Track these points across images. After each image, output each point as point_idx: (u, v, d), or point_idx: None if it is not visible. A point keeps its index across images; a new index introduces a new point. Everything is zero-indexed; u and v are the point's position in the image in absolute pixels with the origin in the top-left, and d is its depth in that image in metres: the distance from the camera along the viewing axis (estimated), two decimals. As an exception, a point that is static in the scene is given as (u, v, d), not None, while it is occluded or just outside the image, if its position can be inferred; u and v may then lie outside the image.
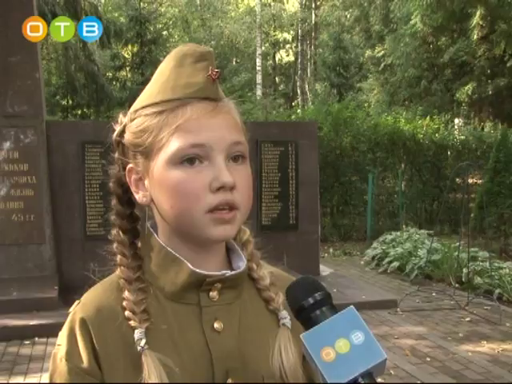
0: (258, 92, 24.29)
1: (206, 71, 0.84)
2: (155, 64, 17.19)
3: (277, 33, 30.51)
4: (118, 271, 0.88)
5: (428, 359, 4.81)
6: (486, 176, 9.75)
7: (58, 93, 17.62)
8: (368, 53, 21.10)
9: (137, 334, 0.81)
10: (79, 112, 17.52)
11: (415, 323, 5.82)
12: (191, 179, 0.81)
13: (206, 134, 0.82)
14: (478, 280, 6.80)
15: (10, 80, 6.37)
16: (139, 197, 0.88)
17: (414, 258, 7.82)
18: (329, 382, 0.68)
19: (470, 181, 10.38)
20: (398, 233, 9.19)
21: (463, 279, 7.03)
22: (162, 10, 27.25)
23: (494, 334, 5.48)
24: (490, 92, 16.43)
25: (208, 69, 0.85)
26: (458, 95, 16.36)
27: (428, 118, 12.46)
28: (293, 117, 13.42)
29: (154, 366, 0.79)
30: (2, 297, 5.64)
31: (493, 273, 6.77)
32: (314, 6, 28.42)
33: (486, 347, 5.12)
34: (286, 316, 0.89)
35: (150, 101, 0.85)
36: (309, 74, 28.43)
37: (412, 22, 15.80)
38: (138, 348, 0.80)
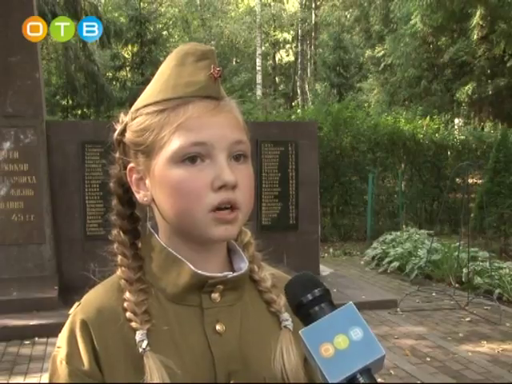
0: (258, 92, 24.30)
1: (207, 70, 0.84)
2: (155, 64, 17.21)
3: (277, 33, 30.52)
4: (118, 272, 0.87)
5: (428, 359, 4.81)
6: (486, 176, 9.75)
7: (58, 93, 17.62)
8: (368, 53, 21.11)
9: (138, 335, 0.81)
10: (79, 112, 17.52)
11: (415, 323, 5.82)
12: (193, 178, 0.81)
13: (208, 133, 0.81)
14: (477, 280, 6.80)
15: (10, 80, 6.37)
16: (140, 196, 0.87)
17: (413, 258, 7.82)
18: (327, 377, 0.68)
19: (470, 181, 10.38)
20: (398, 233, 9.19)
21: (463, 279, 7.03)
22: (162, 9, 27.27)
23: (494, 334, 5.48)
24: (490, 92, 16.43)
25: (210, 67, 0.84)
26: (458, 95, 16.36)
27: (428, 117, 12.47)
28: (293, 117, 13.42)
29: (155, 368, 0.78)
30: (1, 297, 5.64)
31: (493, 273, 6.77)
32: (314, 5, 28.43)
33: (485, 347, 5.11)
34: (287, 318, 0.89)
35: (151, 99, 0.85)
36: (309, 74, 28.44)
37: (412, 22, 15.80)
38: (140, 350, 0.80)
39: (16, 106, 6.36)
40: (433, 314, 6.13)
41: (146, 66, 17.60)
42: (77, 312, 0.84)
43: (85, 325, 0.82)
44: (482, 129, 16.19)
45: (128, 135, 0.87)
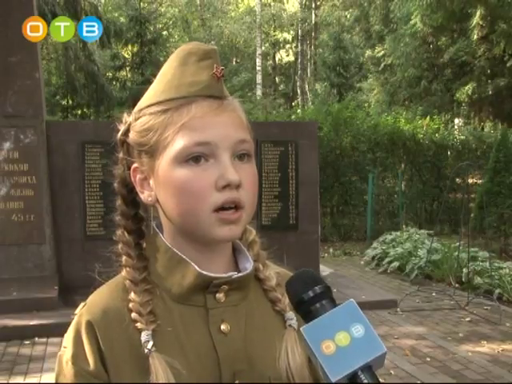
0: (258, 92, 24.30)
1: (210, 69, 0.84)
2: (155, 64, 17.21)
3: (277, 33, 30.52)
4: (123, 272, 0.87)
5: (428, 359, 4.81)
6: (486, 176, 9.75)
7: (58, 93, 17.62)
8: (368, 53, 21.10)
9: (143, 336, 0.81)
10: (79, 112, 17.52)
11: (415, 323, 5.82)
12: (197, 177, 0.81)
13: (211, 132, 0.81)
14: (478, 280, 6.80)
15: (10, 80, 6.37)
16: (144, 196, 0.87)
17: (414, 258, 7.82)
18: (329, 374, 0.69)
19: (470, 181, 10.39)
20: (398, 233, 9.19)
21: (463, 279, 7.03)
22: (162, 9, 27.27)
23: (494, 334, 5.48)
24: (490, 92, 16.43)
25: (212, 67, 0.85)
26: (457, 95, 16.35)
27: (428, 117, 12.46)
28: (293, 117, 13.41)
29: (161, 369, 0.78)
30: (1, 297, 5.64)
31: (493, 273, 6.77)
32: (314, 5, 28.43)
33: (485, 347, 5.11)
34: (292, 317, 0.89)
35: (154, 100, 0.85)
36: (309, 74, 28.45)
37: (412, 22, 15.80)
38: (145, 350, 0.80)
39: (16, 106, 6.36)
40: (433, 314, 6.12)
41: (145, 66, 17.59)
42: (82, 313, 0.85)
43: (90, 326, 0.82)
44: (482, 129, 16.22)
45: (131, 135, 0.87)
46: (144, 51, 18.01)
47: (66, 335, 0.85)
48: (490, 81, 16.51)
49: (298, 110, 16.81)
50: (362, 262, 8.87)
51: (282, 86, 31.82)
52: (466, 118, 19.58)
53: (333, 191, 10.96)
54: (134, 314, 0.82)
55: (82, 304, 0.87)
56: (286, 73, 31.75)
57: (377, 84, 20.10)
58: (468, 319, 5.95)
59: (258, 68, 25.25)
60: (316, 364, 0.71)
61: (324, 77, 22.37)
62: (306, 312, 0.75)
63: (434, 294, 6.83)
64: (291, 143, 7.19)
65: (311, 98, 24.18)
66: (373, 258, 8.72)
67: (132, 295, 0.84)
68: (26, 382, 4.33)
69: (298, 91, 28.10)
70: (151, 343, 0.80)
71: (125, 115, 0.90)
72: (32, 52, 6.44)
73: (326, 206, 11.06)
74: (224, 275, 0.85)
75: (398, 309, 6.21)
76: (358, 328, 0.71)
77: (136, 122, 0.86)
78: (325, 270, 7.63)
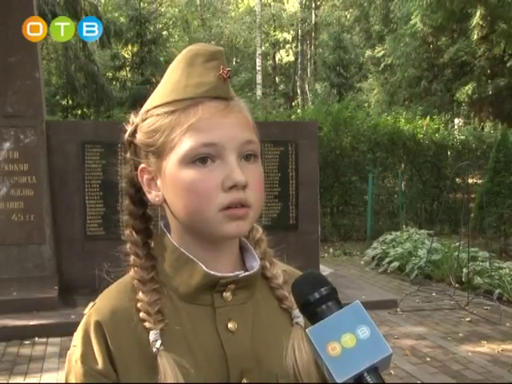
0: (258, 92, 24.29)
1: (216, 70, 0.85)
2: (155, 64, 17.22)
3: (277, 33, 30.52)
4: (131, 272, 0.88)
5: (428, 359, 4.81)
6: (486, 176, 9.75)
7: (58, 93, 17.61)
8: (368, 53, 21.10)
9: (152, 335, 0.81)
10: (79, 112, 17.51)
11: (415, 323, 5.82)
12: (204, 178, 0.81)
13: (218, 133, 0.82)
14: (478, 280, 6.81)
15: (10, 80, 6.37)
16: (151, 197, 0.88)
17: (414, 258, 7.82)
18: (335, 376, 0.69)
19: (470, 181, 10.39)
20: (398, 233, 9.20)
21: (463, 279, 7.03)
22: (162, 9, 27.27)
23: (494, 334, 5.48)
24: (490, 92, 16.44)
25: (219, 68, 0.85)
26: (457, 95, 16.35)
27: (428, 117, 12.46)
28: (293, 117, 13.41)
29: (169, 368, 0.79)
30: (1, 297, 5.64)
31: (493, 273, 6.77)
32: (313, 5, 28.43)
33: (485, 347, 5.11)
34: (299, 315, 0.89)
35: (161, 101, 0.85)
36: (309, 74, 28.45)
37: (412, 22, 15.81)
38: (154, 349, 0.80)
39: (16, 106, 6.36)
40: (433, 314, 6.13)
41: (145, 66, 17.59)
42: (91, 313, 0.85)
43: (99, 326, 0.83)
44: (482, 129, 16.21)
45: (139, 136, 0.88)
46: (144, 51, 18.01)
47: (75, 334, 0.86)
48: (490, 81, 16.52)
49: (298, 110, 16.81)
50: (362, 262, 8.87)
51: (282, 86, 31.82)
52: (466, 118, 19.59)
53: (333, 191, 10.96)
54: (142, 314, 0.83)
55: (91, 304, 0.88)
56: (286, 73, 31.76)
57: (377, 84, 20.11)
58: (468, 319, 5.95)
59: (258, 68, 25.25)
60: (322, 365, 0.71)
61: (324, 77, 22.39)
62: (312, 313, 0.75)
63: (434, 294, 6.83)
64: (291, 143, 7.19)
65: (311, 98, 24.19)
66: (373, 258, 8.72)
67: (140, 295, 0.84)
68: (25, 382, 4.33)
69: (298, 91, 28.11)
70: (159, 342, 0.81)
71: (132, 116, 0.90)
72: (32, 52, 6.44)
73: (326, 205, 11.06)
74: (231, 274, 0.86)
75: (398, 309, 6.21)
76: (364, 329, 0.71)
77: (143, 123, 0.87)
78: (325, 270, 7.63)
